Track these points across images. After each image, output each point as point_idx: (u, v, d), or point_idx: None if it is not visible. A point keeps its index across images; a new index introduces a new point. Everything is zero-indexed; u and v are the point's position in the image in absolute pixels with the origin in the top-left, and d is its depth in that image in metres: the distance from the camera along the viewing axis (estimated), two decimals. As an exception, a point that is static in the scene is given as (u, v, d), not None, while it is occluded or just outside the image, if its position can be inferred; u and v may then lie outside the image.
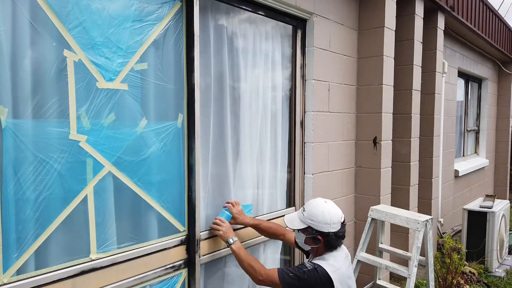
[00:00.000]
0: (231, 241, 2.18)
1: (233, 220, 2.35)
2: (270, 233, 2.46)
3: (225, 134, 2.50)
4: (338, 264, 2.01)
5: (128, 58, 1.92)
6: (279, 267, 2.08)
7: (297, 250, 3.02)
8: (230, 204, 2.38)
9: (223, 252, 2.42)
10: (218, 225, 2.26)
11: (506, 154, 8.18)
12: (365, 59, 3.50)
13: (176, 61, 2.15)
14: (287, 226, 2.13)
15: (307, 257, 2.27)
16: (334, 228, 2.01)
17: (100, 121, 1.82)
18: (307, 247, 2.11)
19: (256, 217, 2.66)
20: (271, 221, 2.69)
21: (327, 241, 2.02)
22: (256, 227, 2.43)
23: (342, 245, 2.11)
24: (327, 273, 1.94)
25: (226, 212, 2.34)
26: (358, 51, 3.53)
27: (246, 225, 2.42)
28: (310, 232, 2.03)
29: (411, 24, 3.90)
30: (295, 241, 2.21)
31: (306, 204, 2.11)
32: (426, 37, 4.41)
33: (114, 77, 1.87)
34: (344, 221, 2.07)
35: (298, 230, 2.07)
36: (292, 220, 2.10)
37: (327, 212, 2.02)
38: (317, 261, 2.01)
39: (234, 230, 2.42)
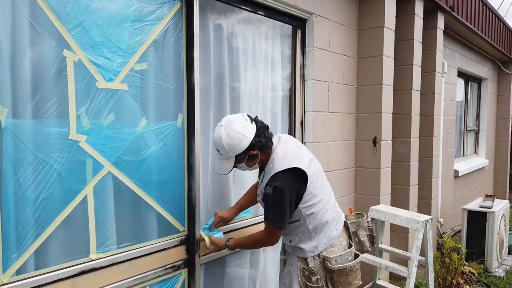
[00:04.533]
0: (227, 244, 2.16)
1: (222, 222, 2.28)
2: (252, 200, 2.36)
3: (225, 134, 2.50)
4: (287, 151, 1.97)
5: (128, 58, 1.92)
6: (264, 221, 2.02)
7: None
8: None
9: (223, 252, 2.42)
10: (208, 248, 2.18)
11: (506, 154, 8.18)
12: (365, 59, 3.50)
13: (176, 61, 2.15)
14: (221, 174, 2.03)
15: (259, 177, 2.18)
16: (252, 132, 1.90)
17: (100, 121, 1.82)
18: (255, 167, 2.04)
19: (256, 217, 2.67)
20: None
21: (260, 147, 1.94)
22: (241, 208, 2.35)
23: (274, 135, 2.04)
24: (285, 173, 1.89)
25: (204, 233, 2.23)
26: (358, 51, 3.53)
27: (235, 216, 2.34)
28: (242, 157, 1.93)
29: (410, 24, 3.90)
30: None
31: (213, 145, 1.95)
32: (426, 37, 4.41)
33: (114, 77, 1.87)
34: (252, 117, 1.97)
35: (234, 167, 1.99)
36: (222, 168, 1.97)
37: (233, 132, 1.87)
38: (269, 175, 1.94)
39: (230, 231, 2.44)
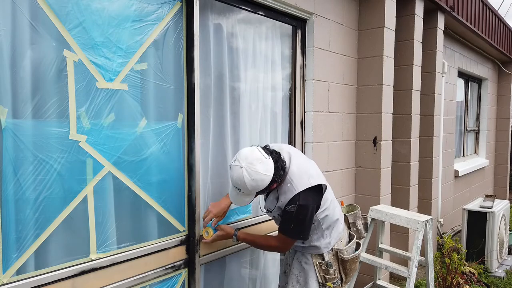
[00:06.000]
0: (235, 233, 2.18)
1: (217, 218, 2.24)
2: None
3: (225, 134, 2.50)
4: (301, 169, 2.02)
5: (128, 58, 1.92)
6: (282, 233, 2.05)
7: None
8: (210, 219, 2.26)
9: (223, 252, 2.42)
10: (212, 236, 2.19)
11: (506, 154, 8.18)
12: (365, 59, 3.50)
13: (176, 61, 2.15)
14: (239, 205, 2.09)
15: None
16: (272, 169, 1.90)
17: (100, 121, 1.82)
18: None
19: (257, 217, 2.67)
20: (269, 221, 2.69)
21: (280, 178, 1.97)
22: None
23: (282, 152, 2.04)
24: (307, 191, 1.96)
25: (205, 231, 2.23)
26: (358, 51, 3.53)
27: (229, 208, 2.31)
28: (263, 191, 1.98)
29: (411, 24, 3.90)
30: None
31: (233, 184, 1.92)
32: (426, 37, 4.41)
33: (114, 77, 1.87)
34: (265, 146, 2.02)
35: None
36: (242, 201, 2.00)
37: (255, 175, 1.85)
38: (290, 194, 1.97)
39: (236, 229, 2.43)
